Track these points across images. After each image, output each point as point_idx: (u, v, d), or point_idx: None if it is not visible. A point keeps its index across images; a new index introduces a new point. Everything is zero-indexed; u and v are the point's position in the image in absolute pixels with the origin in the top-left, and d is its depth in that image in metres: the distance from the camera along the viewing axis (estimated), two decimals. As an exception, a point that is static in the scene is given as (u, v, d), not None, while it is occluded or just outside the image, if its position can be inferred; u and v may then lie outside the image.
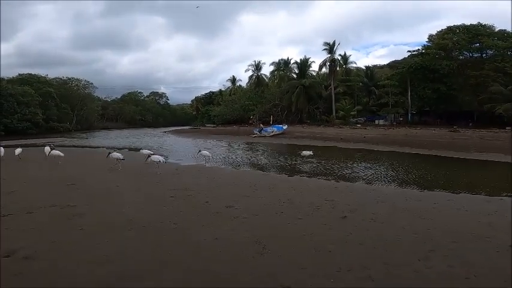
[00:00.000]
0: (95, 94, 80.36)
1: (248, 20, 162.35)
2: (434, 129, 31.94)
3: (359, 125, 42.15)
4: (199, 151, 14.29)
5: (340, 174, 11.58)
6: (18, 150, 15.06)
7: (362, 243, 4.63)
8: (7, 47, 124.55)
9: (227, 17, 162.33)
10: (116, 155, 12.38)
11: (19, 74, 62.54)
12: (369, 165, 13.96)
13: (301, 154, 15.57)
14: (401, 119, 45.64)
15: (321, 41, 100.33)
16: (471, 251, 4.34)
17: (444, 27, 41.94)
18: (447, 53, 39.94)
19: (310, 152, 15.63)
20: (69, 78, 73.78)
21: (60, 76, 72.81)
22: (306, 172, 12.09)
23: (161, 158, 11.56)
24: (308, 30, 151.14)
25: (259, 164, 14.42)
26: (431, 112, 43.87)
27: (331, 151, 19.88)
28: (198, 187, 8.57)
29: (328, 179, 10.49)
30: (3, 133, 46.56)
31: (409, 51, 44.29)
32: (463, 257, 4.13)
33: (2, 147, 15.11)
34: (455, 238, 4.77)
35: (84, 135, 49.03)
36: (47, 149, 15.09)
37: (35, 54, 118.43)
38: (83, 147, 25.15)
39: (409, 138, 24.63)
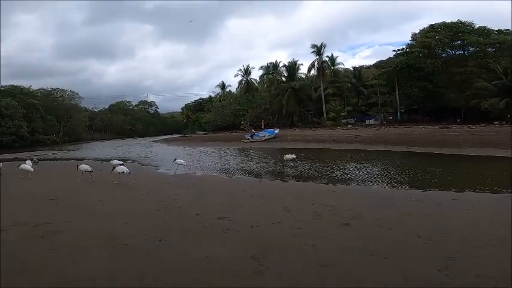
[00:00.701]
0: (82, 105, 78.73)
1: (236, 25, 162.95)
2: (423, 127, 32.15)
3: (350, 126, 42.19)
4: (175, 159, 14.25)
5: (337, 177, 11.12)
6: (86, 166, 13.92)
7: (372, 253, 4.15)
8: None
9: (215, 22, 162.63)
10: (84, 167, 12.09)
11: (1, 86, 60.64)
12: (364, 166, 13.59)
13: (284, 158, 14.80)
14: (391, 118, 45.99)
15: (309, 43, 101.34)
16: (495, 256, 3.88)
17: (426, 25, 42.61)
18: (431, 51, 40.41)
19: (293, 156, 14.73)
20: (54, 89, 72.05)
21: (45, 87, 71.07)
22: (301, 177, 11.61)
23: (125, 169, 11.08)
24: (296, 33, 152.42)
25: (252, 171, 13.81)
26: (419, 110, 44.33)
27: (324, 153, 19.55)
28: (188, 198, 8.01)
29: (325, 183, 10.02)
30: (-12, 147, 44.85)
31: (394, 50, 44.89)
32: (488, 264, 3.67)
33: None
34: (472, 242, 4.34)
35: (71, 147, 47.43)
36: (28, 163, 14.26)
37: (18, 64, 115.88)
38: (67, 159, 24.10)
39: (401, 136, 24.61)
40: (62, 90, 72.94)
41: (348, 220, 5.66)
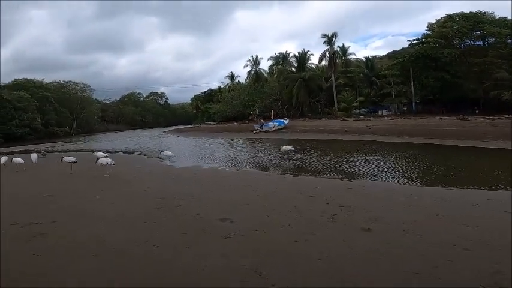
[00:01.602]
0: (94, 97, 79.52)
1: (243, 17, 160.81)
2: (440, 118, 30.72)
3: (362, 116, 41.03)
4: (161, 151, 13.94)
5: (352, 172, 10.19)
6: (3, 159, 13.95)
7: (399, 266, 3.46)
8: (3, 53, 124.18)
9: (222, 14, 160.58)
10: (69, 158, 12.22)
11: (14, 79, 61.63)
12: (381, 159, 12.63)
13: (281, 149, 14.08)
14: (405, 108, 44.44)
15: (318, 34, 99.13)
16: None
17: (443, 15, 40.87)
18: (448, 41, 38.87)
19: (291, 147, 13.98)
20: (66, 82, 72.88)
21: (57, 80, 71.95)
22: (312, 171, 10.66)
23: (109, 160, 11.28)
24: (304, 24, 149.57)
25: (260, 163, 13.05)
26: (435, 101, 42.57)
27: (337, 144, 18.57)
28: (190, 194, 7.38)
29: (339, 178, 9.15)
30: (2, 140, 45.80)
31: (409, 40, 43.21)
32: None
33: None
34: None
35: (82, 138, 48.00)
36: (33, 156, 14.12)
37: (30, 59, 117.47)
38: (76, 151, 24.08)
39: (417, 127, 23.30)
40: (74, 82, 73.75)
41: (368, 224, 4.93)
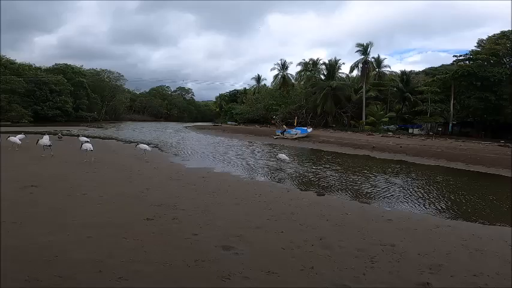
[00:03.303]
0: (125, 86, 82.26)
1: (276, 20, 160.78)
2: (479, 143, 27.91)
3: (390, 133, 38.61)
4: (136, 145, 13.73)
5: (389, 197, 8.46)
6: (18, 137, 13.76)
7: None
8: (49, 39, 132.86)
9: (255, 16, 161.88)
10: (44, 141, 12.28)
11: (55, 64, 64.86)
12: (420, 184, 10.84)
13: (277, 157, 13.23)
14: (440, 129, 41.34)
15: (350, 44, 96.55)
16: None
17: (496, 32, 37.69)
18: (498, 60, 35.57)
19: (286, 157, 13.12)
20: (103, 70, 75.96)
21: (94, 68, 75.17)
22: (340, 190, 9.03)
23: (89, 146, 11.43)
24: (337, 33, 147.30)
25: (278, 174, 11.49)
26: (474, 123, 39.18)
27: (365, 161, 16.83)
28: (191, 204, 6.18)
29: (374, 204, 7.59)
30: (32, 119, 48.13)
31: (455, 55, 40.06)
32: None
33: None
34: None
35: (106, 125, 49.27)
36: (45, 138, 13.88)
37: (76, 46, 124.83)
38: (93, 137, 24.20)
39: (455, 151, 21.00)
40: (110, 71, 76.76)
41: (425, 275, 3.54)
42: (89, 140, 14.18)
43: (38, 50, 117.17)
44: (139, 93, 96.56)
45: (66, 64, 65.05)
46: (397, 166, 15.32)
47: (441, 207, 7.73)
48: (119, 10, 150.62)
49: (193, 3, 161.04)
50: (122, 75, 78.93)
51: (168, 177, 8.93)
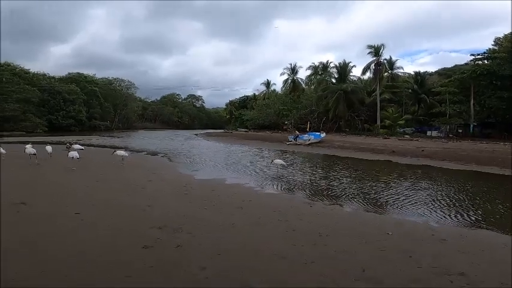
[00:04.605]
0: (136, 95, 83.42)
1: (283, 26, 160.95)
2: (505, 144, 26.21)
3: (407, 136, 37.19)
4: (114, 151, 13.81)
5: (430, 210, 7.27)
6: (29, 148, 13.60)
7: None
8: (63, 48, 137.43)
9: (262, 22, 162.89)
10: (30, 150, 12.69)
11: (68, 73, 66.47)
12: (458, 192, 9.61)
13: (273, 162, 12.88)
14: (460, 131, 39.54)
15: (358, 47, 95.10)
16: None
17: (501, 33, 36.73)
18: (518, 58, 33.83)
19: (283, 162, 12.58)
20: (115, 79, 77.39)
21: (106, 76, 76.63)
22: (371, 203, 7.89)
23: (75, 154, 11.77)
24: (344, 36, 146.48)
25: (296, 184, 10.34)
26: (496, 124, 37.24)
27: (388, 167, 15.58)
28: (199, 226, 5.28)
29: (417, 219, 6.49)
30: (46, 129, 49.05)
31: (472, 55, 38.47)
32: None
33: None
34: None
35: (118, 134, 49.66)
36: (49, 148, 13.84)
37: (88, 55, 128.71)
38: (101, 146, 24.03)
39: (482, 154, 19.59)
40: (121, 80, 78.26)
41: None
42: (83, 148, 15.60)
43: (53, 59, 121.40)
44: (151, 101, 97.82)
45: (79, 73, 66.61)
46: (424, 172, 14.13)
47: (496, 219, 6.64)
48: (127, 18, 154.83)
49: (201, 11, 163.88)
50: (133, 83, 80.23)
51: (175, 191, 8.15)
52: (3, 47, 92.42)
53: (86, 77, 66.42)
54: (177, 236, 4.76)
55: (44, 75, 60.38)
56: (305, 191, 9.39)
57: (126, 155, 13.80)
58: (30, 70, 57.22)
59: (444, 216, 6.89)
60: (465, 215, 7.05)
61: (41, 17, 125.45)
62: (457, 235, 5.35)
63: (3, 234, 4.45)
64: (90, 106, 61.31)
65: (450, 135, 38.60)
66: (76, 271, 3.54)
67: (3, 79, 47.09)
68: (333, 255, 4.27)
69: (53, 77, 61.76)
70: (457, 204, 8.01)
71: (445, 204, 7.96)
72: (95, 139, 32.88)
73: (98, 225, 5.15)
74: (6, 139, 25.34)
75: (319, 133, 33.87)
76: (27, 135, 36.78)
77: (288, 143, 31.18)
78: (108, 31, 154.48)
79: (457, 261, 4.07)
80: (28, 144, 14.05)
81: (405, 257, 4.17)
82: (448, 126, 40.56)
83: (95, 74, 71.66)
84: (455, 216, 6.90)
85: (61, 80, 62.23)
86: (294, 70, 61.49)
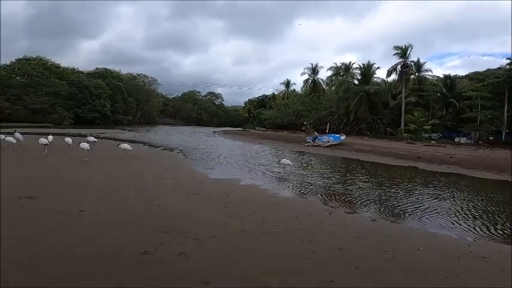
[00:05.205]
0: (158, 91, 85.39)
1: (304, 25, 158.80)
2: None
3: (433, 142, 35.28)
4: (119, 144, 14.29)
5: (461, 222, 6.70)
6: (47, 139, 13.81)
7: None
8: (93, 44, 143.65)
9: (282, 21, 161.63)
10: (42, 140, 13.17)
11: (96, 68, 69.13)
12: (492, 204, 8.77)
13: (280, 162, 12.90)
14: (491, 138, 37.01)
15: (382, 48, 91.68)
16: None
17: None
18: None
19: (290, 162, 12.55)
20: (138, 75, 79.67)
21: (131, 72, 79.04)
22: (396, 212, 7.24)
23: (85, 146, 12.37)
24: (367, 37, 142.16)
25: (316, 189, 9.67)
26: (531, 132, 34.53)
27: (413, 174, 14.49)
28: (208, 231, 4.87)
29: (449, 233, 5.90)
30: (72, 121, 51.20)
31: (509, 58, 35.83)
32: None
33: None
34: None
35: (139, 128, 50.88)
36: (68, 140, 14.27)
37: (115, 52, 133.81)
38: (114, 139, 24.40)
39: (517, 164, 18.05)
40: (145, 76, 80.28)
41: None
42: (96, 141, 16.11)
43: (82, 55, 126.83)
44: (172, 98, 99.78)
45: (105, 68, 69.06)
46: (454, 181, 13.08)
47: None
48: (152, 17, 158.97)
49: (222, 9, 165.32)
50: (156, 80, 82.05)
51: (187, 191, 7.84)
52: (39, 43, 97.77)
53: (112, 72, 68.72)
54: (181, 242, 4.42)
55: (73, 69, 62.98)
56: (323, 196, 8.84)
57: (130, 148, 13.94)
58: (61, 65, 59.83)
59: (480, 231, 6.19)
60: (499, 229, 6.31)
61: (73, 14, 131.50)
62: (495, 252, 4.73)
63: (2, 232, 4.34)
64: (115, 101, 63.37)
65: (480, 142, 36.25)
66: (65, 274, 3.30)
67: (35, 73, 49.54)
68: (356, 272, 3.78)
69: (82, 72, 64.30)
70: (490, 217, 7.24)
71: (474, 216, 7.24)
72: (118, 132, 33.69)
73: (99, 225, 4.93)
74: (32, 129, 26.41)
75: (338, 135, 32.84)
76: (55, 127, 38.39)
77: (306, 144, 30.47)
78: (134, 29, 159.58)
79: (502, 283, 3.52)
80: (49, 135, 14.41)
81: (441, 277, 3.63)
82: (478, 133, 38.14)
83: (120, 70, 73.93)
84: (491, 230, 6.20)
85: (89, 74, 64.71)
86: (314, 70, 60.35)
